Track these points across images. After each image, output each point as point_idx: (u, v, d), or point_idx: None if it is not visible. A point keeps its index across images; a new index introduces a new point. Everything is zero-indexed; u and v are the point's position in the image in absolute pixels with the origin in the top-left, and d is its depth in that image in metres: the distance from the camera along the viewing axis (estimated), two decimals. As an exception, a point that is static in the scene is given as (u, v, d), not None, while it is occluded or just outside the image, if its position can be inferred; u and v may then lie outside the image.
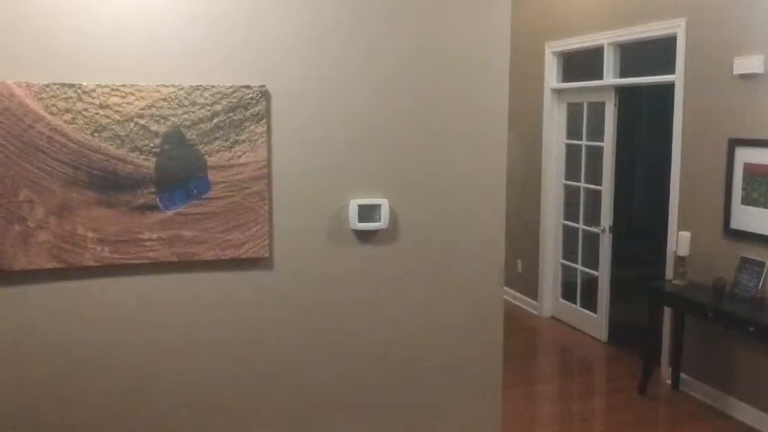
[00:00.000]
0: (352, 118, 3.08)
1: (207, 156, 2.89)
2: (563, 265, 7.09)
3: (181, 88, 2.83)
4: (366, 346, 3.23)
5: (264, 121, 2.94)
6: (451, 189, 3.25)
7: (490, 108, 3.25)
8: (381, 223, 3.14)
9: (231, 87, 2.88)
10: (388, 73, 3.09)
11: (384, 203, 3.14)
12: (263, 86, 2.93)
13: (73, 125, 2.74)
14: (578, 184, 6.79)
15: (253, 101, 2.92)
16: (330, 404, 3.22)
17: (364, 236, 3.16)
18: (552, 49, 6.90)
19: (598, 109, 6.47)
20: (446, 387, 3.36)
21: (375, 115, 3.10)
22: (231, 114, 2.90)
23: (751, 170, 4.68)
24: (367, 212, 3.13)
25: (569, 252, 7.02)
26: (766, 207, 4.59)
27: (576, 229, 6.87)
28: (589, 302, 6.65)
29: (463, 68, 3.19)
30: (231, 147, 2.91)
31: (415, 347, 3.30)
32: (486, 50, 3.21)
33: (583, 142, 6.70)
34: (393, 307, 3.24)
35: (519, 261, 7.54)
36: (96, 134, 2.77)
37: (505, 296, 3.45)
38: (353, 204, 3.10)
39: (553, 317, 7.21)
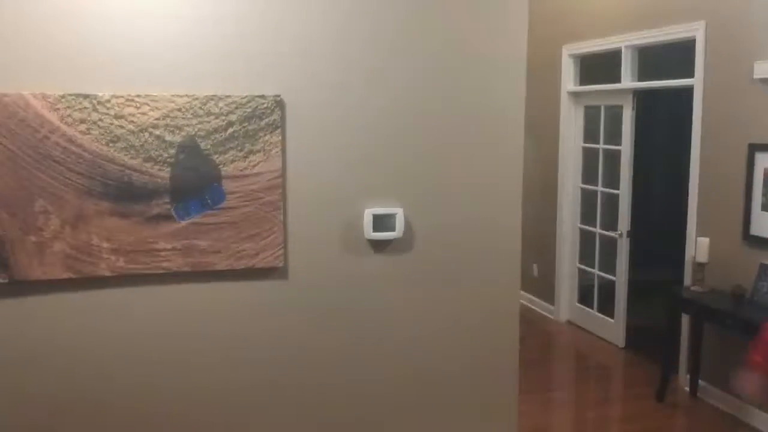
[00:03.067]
0: (366, 128, 3.06)
1: (221, 166, 2.88)
2: (580, 270, 7.04)
3: (196, 98, 2.83)
4: (381, 355, 3.22)
5: (279, 130, 2.93)
6: (467, 197, 3.22)
7: (507, 114, 3.22)
8: (396, 233, 3.11)
9: (246, 97, 2.87)
10: (403, 81, 3.07)
11: (399, 212, 3.11)
12: (278, 96, 2.92)
13: (88, 135, 2.74)
14: (595, 188, 6.74)
15: (268, 111, 2.91)
16: (344, 413, 3.20)
17: (378, 245, 3.14)
18: (569, 51, 6.84)
19: (615, 113, 6.41)
20: (462, 395, 3.34)
21: (390, 123, 3.08)
22: (246, 124, 2.89)
23: (771, 176, 4.61)
24: (382, 221, 3.10)
25: (586, 256, 6.96)
26: (787, 213, 4.53)
27: (593, 233, 6.81)
28: (606, 307, 6.59)
29: (479, 74, 3.16)
30: (245, 157, 2.90)
31: (430, 356, 3.27)
32: (503, 55, 3.17)
33: (601, 146, 6.64)
34: (408, 316, 3.22)
35: (535, 265, 7.49)
36: (111, 144, 2.77)
37: (520, 300, 3.42)
38: (368, 213, 3.08)
39: (569, 322, 7.16)
